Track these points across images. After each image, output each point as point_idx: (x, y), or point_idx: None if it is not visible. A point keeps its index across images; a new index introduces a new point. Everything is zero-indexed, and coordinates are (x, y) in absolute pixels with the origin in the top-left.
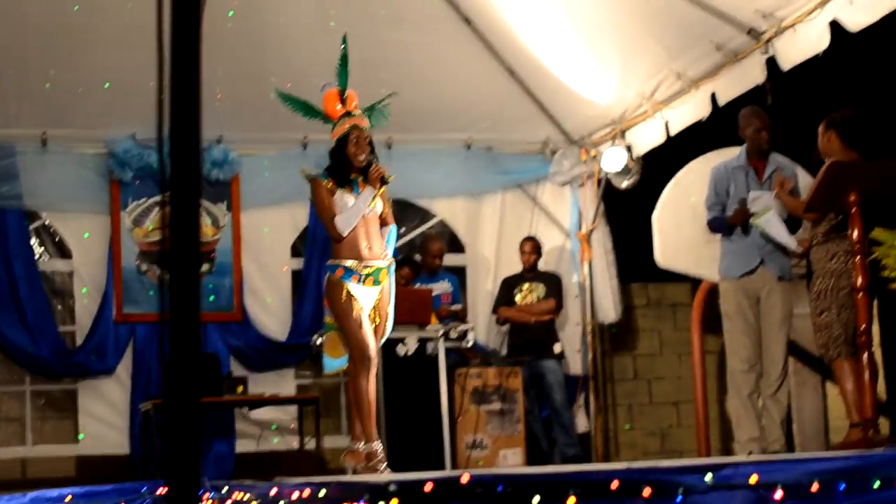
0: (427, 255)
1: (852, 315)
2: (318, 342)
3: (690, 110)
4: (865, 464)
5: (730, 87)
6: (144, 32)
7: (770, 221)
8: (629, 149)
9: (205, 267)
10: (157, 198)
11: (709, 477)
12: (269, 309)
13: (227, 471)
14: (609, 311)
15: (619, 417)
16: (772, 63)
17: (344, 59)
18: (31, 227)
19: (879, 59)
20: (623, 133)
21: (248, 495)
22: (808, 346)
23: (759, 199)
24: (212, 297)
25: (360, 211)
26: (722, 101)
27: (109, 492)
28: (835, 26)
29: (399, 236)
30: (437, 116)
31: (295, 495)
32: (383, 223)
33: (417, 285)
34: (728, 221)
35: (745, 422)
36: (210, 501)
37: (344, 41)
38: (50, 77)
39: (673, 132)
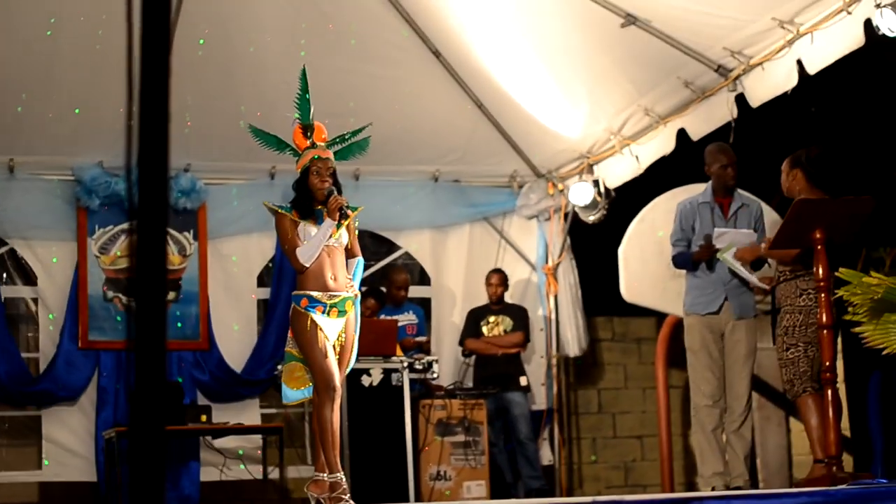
0: (392, 287)
1: (819, 351)
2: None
3: (658, 146)
4: (830, 500)
5: (698, 123)
6: (113, 59)
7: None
8: (596, 183)
9: (171, 295)
10: (124, 225)
11: None
12: (236, 338)
13: (192, 499)
14: (573, 344)
15: (584, 450)
16: (740, 99)
17: (304, 91)
18: None
19: (842, 99)
20: (591, 167)
21: None
22: (773, 382)
23: (725, 236)
24: (178, 325)
25: (320, 242)
26: (693, 138)
27: None
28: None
29: (365, 267)
30: (404, 148)
31: None
32: (351, 255)
33: (382, 316)
34: (693, 257)
35: (709, 457)
36: None
37: (303, 73)
38: (19, 102)
39: (643, 167)
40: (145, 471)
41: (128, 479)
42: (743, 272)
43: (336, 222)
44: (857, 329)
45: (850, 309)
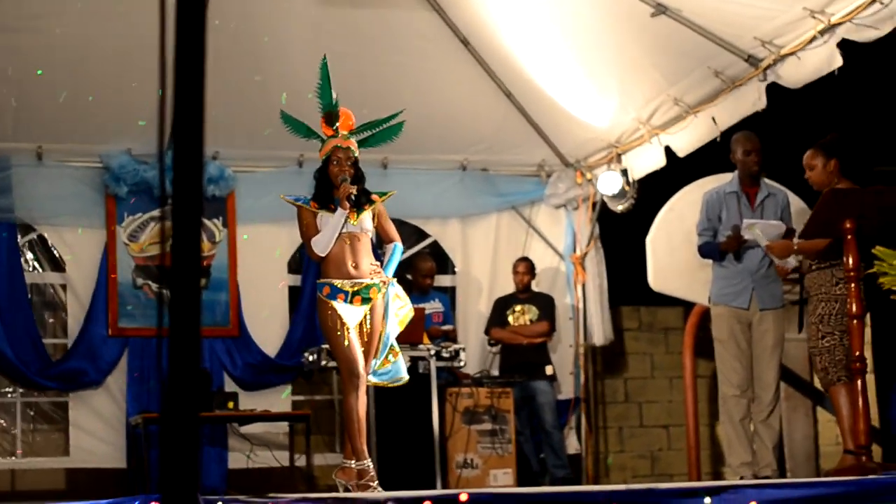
0: (417, 275)
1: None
2: (311, 359)
3: (689, 135)
4: (861, 490)
5: (728, 113)
6: (143, 47)
7: (762, 227)
8: (625, 172)
9: (201, 282)
10: (153, 213)
11: (707, 500)
12: (266, 325)
13: (219, 486)
14: (599, 334)
15: (610, 440)
16: (770, 89)
17: (324, 80)
18: (25, 239)
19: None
20: (619, 157)
21: None
22: (800, 372)
23: (753, 227)
24: (208, 312)
25: (333, 231)
26: (721, 128)
27: None
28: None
29: None
30: (433, 137)
31: None
32: (387, 241)
33: None
34: (720, 247)
35: (737, 446)
36: None
37: (323, 63)
38: (50, 91)
39: (678, 156)
40: (178, 457)
41: (160, 465)
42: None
43: (347, 210)
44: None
45: (884, 282)
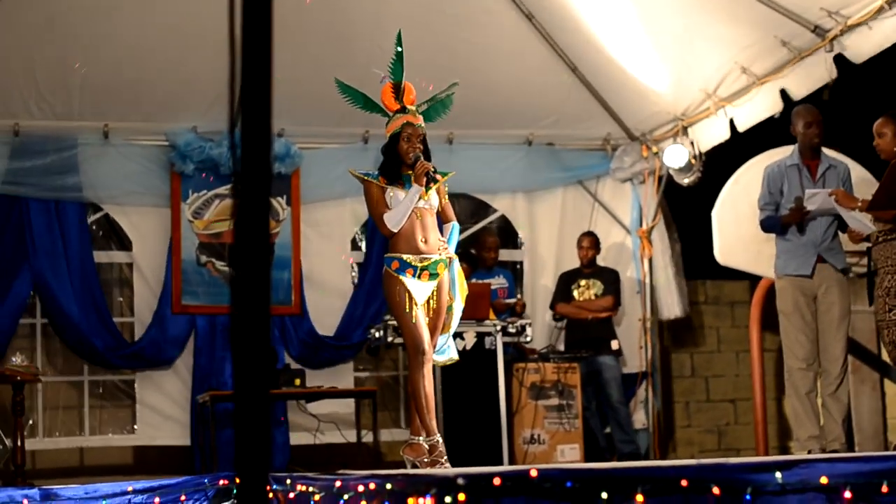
0: (482, 250)
1: None
2: (377, 335)
3: (754, 107)
4: None
5: (795, 84)
6: (207, 25)
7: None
8: (691, 145)
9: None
10: (218, 190)
11: (778, 476)
12: (329, 303)
13: (283, 463)
14: (673, 307)
15: (677, 414)
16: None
17: (399, 55)
18: (92, 218)
19: None
20: (685, 130)
21: (311, 488)
22: (867, 344)
23: (816, 197)
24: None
25: (407, 207)
26: (794, 98)
27: (172, 485)
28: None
29: (460, 231)
30: (498, 112)
31: (360, 488)
32: (446, 220)
33: (473, 280)
34: (783, 220)
35: (804, 420)
36: (273, 494)
37: (398, 37)
38: (116, 69)
39: (740, 129)
40: (250, 435)
41: (236, 444)
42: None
43: (423, 187)
44: None
45: None
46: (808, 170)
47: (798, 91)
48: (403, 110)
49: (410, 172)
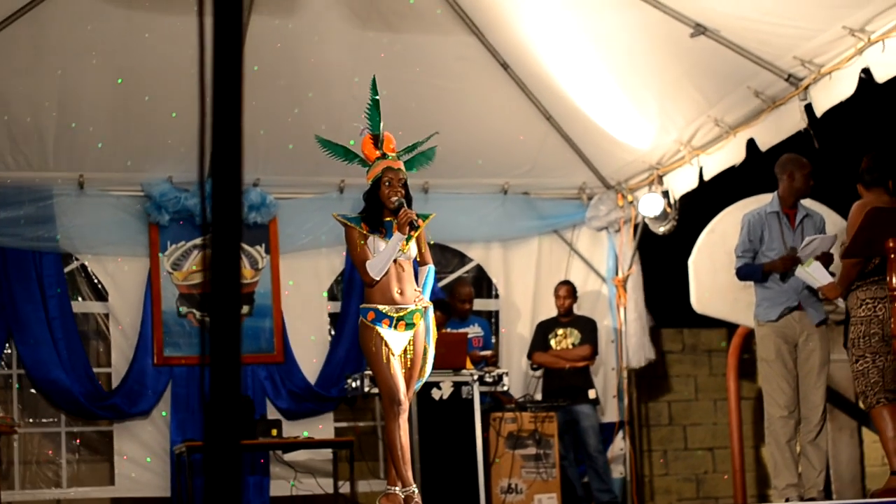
0: (456, 300)
1: (888, 361)
2: (353, 385)
3: (727, 156)
4: None
5: (768, 133)
6: (182, 75)
7: (816, 269)
8: (666, 194)
9: (245, 309)
10: (196, 241)
11: None
12: (311, 351)
13: None
14: (636, 356)
15: (654, 463)
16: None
17: (375, 103)
18: (67, 269)
19: None
20: (660, 178)
21: None
22: (845, 392)
23: (811, 245)
24: (253, 339)
25: (389, 256)
26: (762, 148)
27: None
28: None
29: (436, 280)
30: (473, 161)
31: None
32: (422, 263)
33: (448, 329)
34: (767, 267)
35: (783, 469)
36: None
37: (373, 83)
38: (90, 120)
39: (707, 177)
40: (221, 485)
41: (202, 493)
42: (822, 279)
43: (405, 236)
44: None
45: None
46: (788, 218)
47: (769, 140)
48: (384, 157)
49: (390, 219)
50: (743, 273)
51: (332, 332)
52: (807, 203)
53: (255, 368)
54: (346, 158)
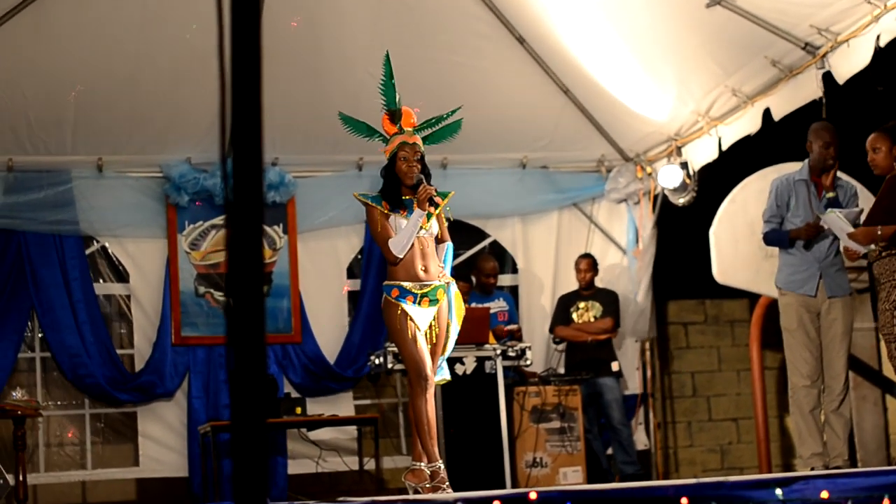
0: (480, 275)
1: None
2: (377, 362)
3: (744, 126)
4: None
5: (785, 102)
6: (200, 56)
7: (836, 220)
8: (685, 165)
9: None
10: (214, 220)
11: (778, 492)
12: (328, 331)
13: (282, 492)
14: (637, 328)
15: (679, 434)
16: (826, 77)
17: (388, 76)
18: (88, 251)
19: None
20: (679, 149)
21: None
22: (868, 361)
23: (833, 213)
24: (271, 319)
25: (412, 233)
26: (777, 117)
27: None
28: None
29: (455, 256)
30: (492, 136)
31: None
32: (440, 240)
33: (472, 304)
34: (792, 235)
35: (808, 437)
36: None
37: (387, 59)
38: (108, 102)
39: (724, 147)
40: (247, 464)
41: (234, 474)
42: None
43: (426, 212)
44: None
45: None
46: (816, 186)
47: (785, 109)
48: (401, 131)
49: (410, 197)
50: (770, 238)
51: (350, 312)
52: (840, 174)
53: (274, 348)
54: (368, 134)
